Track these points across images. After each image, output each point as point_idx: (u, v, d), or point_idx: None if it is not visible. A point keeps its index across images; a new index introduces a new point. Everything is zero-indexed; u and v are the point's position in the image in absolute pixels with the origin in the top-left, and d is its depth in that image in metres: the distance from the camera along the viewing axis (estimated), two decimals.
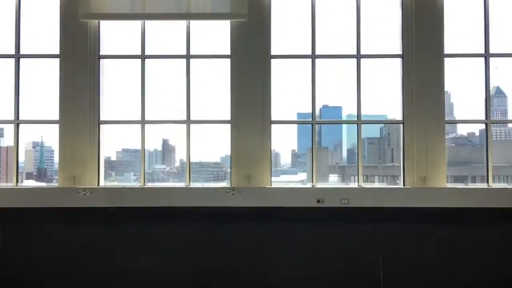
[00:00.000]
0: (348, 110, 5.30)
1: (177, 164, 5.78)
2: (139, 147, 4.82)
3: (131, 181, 5.43)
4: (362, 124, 4.77)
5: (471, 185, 4.88)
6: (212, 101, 4.98)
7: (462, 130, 5.77)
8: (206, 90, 4.97)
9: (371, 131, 5.54)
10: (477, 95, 5.05)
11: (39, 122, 4.86)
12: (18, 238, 4.61)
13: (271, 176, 4.69)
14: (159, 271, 4.58)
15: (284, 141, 5.20)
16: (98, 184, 4.71)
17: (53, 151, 5.57)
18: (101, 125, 4.74)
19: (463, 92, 5.17)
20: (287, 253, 4.58)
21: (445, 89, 4.66)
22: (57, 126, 4.71)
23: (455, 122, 5.08)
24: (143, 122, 4.72)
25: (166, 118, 4.84)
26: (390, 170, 5.56)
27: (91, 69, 4.68)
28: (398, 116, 4.82)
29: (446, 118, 4.64)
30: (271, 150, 4.70)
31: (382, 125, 5.82)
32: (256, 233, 4.58)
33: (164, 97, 5.04)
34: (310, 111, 4.80)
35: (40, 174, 5.58)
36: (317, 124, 4.77)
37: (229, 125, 4.72)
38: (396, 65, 4.82)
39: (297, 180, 5.59)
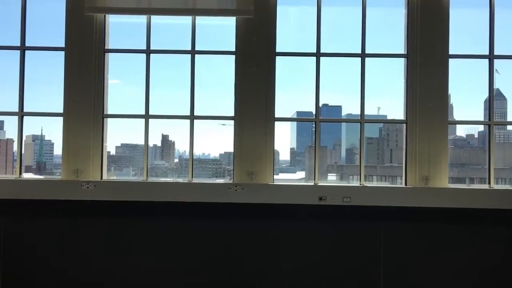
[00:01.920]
0: (347, 110, 5.36)
1: (176, 160, 5.81)
2: (138, 142, 4.86)
3: (130, 176, 5.46)
4: (364, 124, 4.77)
5: (473, 186, 4.94)
6: (215, 97, 5.03)
7: (461, 132, 5.86)
8: (210, 85, 5.01)
9: (370, 131, 5.61)
10: (476, 96, 5.14)
11: (43, 114, 4.87)
12: (21, 230, 4.63)
13: (273, 173, 4.73)
14: (161, 265, 4.62)
15: (283, 139, 5.24)
16: (101, 178, 4.73)
17: (52, 144, 5.59)
18: (104, 119, 4.77)
19: (463, 93, 5.25)
20: (288, 249, 4.63)
21: None
22: (58, 119, 4.73)
23: (458, 123, 5.16)
24: (147, 116, 4.73)
25: (169, 113, 4.88)
26: (389, 170, 5.63)
27: (96, 62, 4.70)
28: (397, 117, 4.90)
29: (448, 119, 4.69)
30: (274, 146, 4.73)
31: (382, 125, 5.90)
32: (258, 229, 4.62)
33: (167, 92, 5.07)
34: (309, 109, 4.87)
35: (40, 167, 5.59)
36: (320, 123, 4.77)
37: (229, 122, 4.77)
38: (395, 65, 4.89)
39: (296, 178, 5.63)
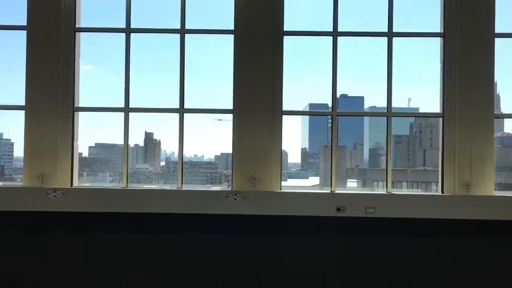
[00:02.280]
0: (370, 101, 5.35)
1: (163, 163, 5.80)
2: (117, 141, 4.85)
3: (106, 182, 5.45)
4: (392, 118, 4.71)
5: None
6: (210, 86, 5.02)
7: (510, 128, 5.84)
8: (203, 72, 5.00)
9: (399, 127, 5.59)
10: None
11: (0, 107, 4.84)
12: None
13: (281, 178, 4.71)
14: None
15: (292, 137, 5.23)
16: (72, 184, 4.71)
17: (12, 144, 5.58)
18: (75, 113, 4.75)
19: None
20: (299, 271, 4.59)
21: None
22: (19, 113, 4.72)
23: (506, 116, 5.09)
24: (127, 110, 4.71)
25: (154, 106, 4.88)
26: (422, 175, 5.60)
27: (65, 44, 4.68)
28: (432, 110, 4.87)
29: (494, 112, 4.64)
30: (281, 146, 4.70)
31: (413, 120, 5.87)
32: (262, 246, 4.59)
33: (151, 81, 5.06)
34: (324, 101, 4.84)
35: None
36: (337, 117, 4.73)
37: (227, 117, 4.76)
38: (430, 46, 4.87)
39: (308, 185, 5.62)
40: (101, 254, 4.60)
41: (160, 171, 5.80)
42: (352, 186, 5.53)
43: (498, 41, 4.64)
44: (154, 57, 5.06)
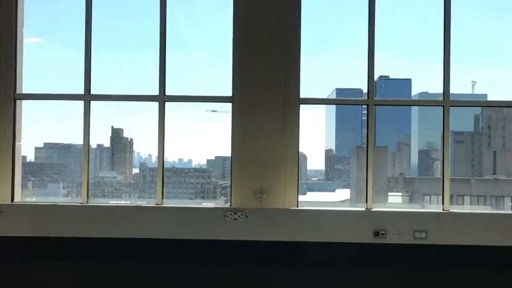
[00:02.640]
0: (420, 86, 5.30)
1: (136, 170, 5.78)
2: (73, 140, 4.82)
3: (59, 196, 5.42)
4: (450, 108, 4.61)
5: None
6: (202, 66, 4.99)
7: None
8: (192, 47, 4.97)
9: (460, 121, 5.54)
10: None
11: None
12: None
13: (297, 191, 4.65)
14: None
15: (313, 135, 5.19)
16: (12, 199, 4.69)
17: None
18: (17, 101, 4.71)
19: None
20: None
21: None
22: None
23: None
24: (87, 97, 4.67)
25: (124, 92, 4.86)
26: (491, 186, 5.55)
27: (3, 9, 4.64)
28: (506, 97, 4.83)
29: None
30: (298, 147, 4.67)
31: (479, 111, 5.83)
32: (273, 283, 4.55)
33: (120, 58, 5.03)
34: (356, 85, 4.82)
35: None
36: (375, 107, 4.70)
37: (223, 107, 4.81)
38: (502, 7, 4.84)
39: (335, 200, 5.60)
40: None
41: (133, 181, 5.78)
42: (395, 201, 5.49)
43: None
44: (126, 28, 5.01)
